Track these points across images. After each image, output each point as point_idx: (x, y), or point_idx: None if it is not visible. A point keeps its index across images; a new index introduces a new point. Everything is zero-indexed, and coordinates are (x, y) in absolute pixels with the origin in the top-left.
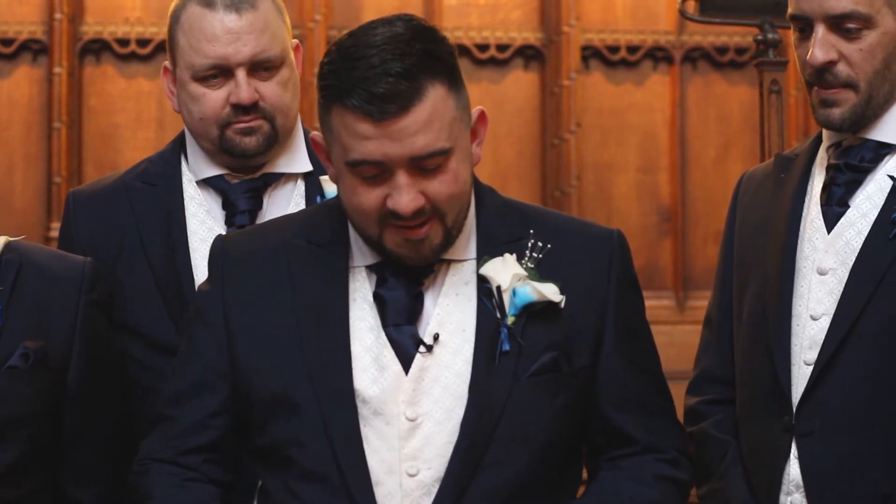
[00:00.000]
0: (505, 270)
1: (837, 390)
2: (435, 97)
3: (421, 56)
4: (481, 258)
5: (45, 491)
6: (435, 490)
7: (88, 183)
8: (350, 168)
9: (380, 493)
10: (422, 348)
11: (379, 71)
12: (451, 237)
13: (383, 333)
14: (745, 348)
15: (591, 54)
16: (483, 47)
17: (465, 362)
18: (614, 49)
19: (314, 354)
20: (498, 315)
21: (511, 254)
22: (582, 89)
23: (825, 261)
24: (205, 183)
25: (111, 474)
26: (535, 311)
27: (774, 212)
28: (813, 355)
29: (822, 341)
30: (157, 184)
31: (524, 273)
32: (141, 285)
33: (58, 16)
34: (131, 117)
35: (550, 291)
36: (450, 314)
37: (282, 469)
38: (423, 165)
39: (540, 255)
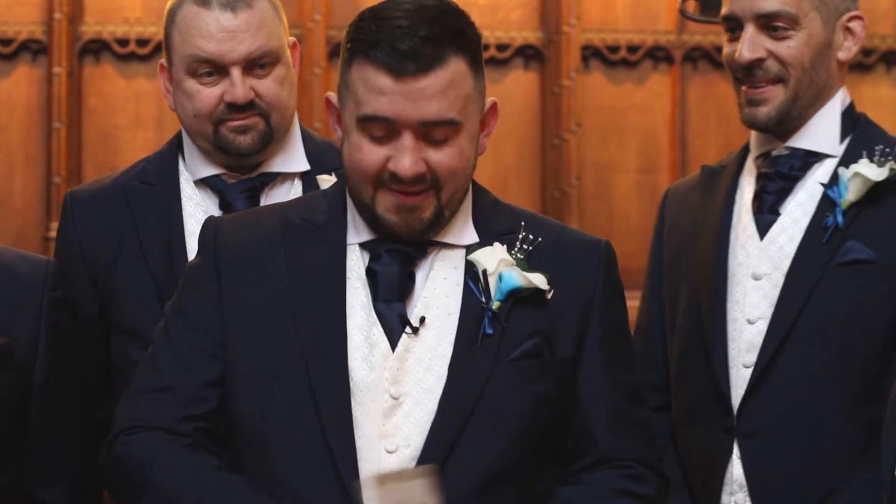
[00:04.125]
0: (493, 256)
1: (777, 391)
2: (456, 68)
3: (448, 28)
4: (471, 246)
5: (14, 488)
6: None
7: (86, 183)
8: (360, 124)
9: (361, 468)
10: (407, 329)
11: (407, 31)
12: (442, 214)
13: (373, 310)
14: (681, 354)
15: (591, 54)
16: (483, 47)
17: (448, 344)
18: (614, 49)
19: (309, 330)
20: (483, 299)
21: (502, 244)
22: (582, 89)
23: (759, 266)
24: (202, 183)
25: (77, 474)
26: (522, 298)
27: (703, 220)
28: (751, 358)
29: (759, 344)
30: (155, 184)
31: (512, 260)
32: (139, 286)
33: (57, 16)
34: (131, 117)
35: (537, 279)
36: (436, 298)
37: (264, 442)
38: (431, 134)
39: (530, 248)
